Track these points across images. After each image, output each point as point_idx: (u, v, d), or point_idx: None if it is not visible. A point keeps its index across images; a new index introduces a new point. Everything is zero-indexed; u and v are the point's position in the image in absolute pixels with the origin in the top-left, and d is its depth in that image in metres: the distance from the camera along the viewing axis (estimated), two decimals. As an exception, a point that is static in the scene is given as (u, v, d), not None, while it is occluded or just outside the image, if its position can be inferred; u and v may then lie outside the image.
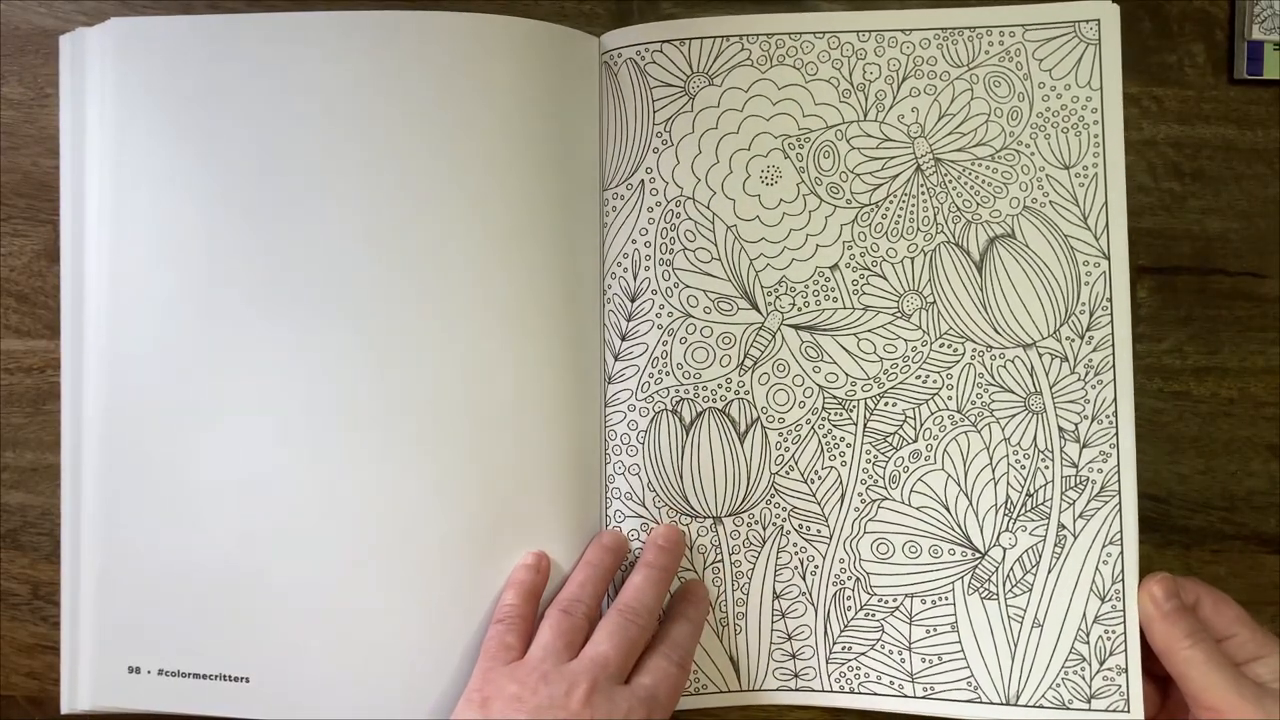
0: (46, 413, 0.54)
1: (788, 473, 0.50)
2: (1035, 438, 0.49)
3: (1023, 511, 0.49)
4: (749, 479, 0.50)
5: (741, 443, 0.50)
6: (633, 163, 0.51)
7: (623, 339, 0.51)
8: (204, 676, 0.49)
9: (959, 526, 0.49)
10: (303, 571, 0.49)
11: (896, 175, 0.50)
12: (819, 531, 0.50)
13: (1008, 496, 0.49)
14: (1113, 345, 0.49)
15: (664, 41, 0.50)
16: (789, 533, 0.50)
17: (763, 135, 0.50)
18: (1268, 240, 0.52)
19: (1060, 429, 0.49)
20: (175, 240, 0.50)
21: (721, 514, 0.50)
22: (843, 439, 0.50)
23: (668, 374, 0.50)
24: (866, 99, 0.50)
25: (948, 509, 0.49)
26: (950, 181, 0.49)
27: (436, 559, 0.49)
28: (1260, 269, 0.52)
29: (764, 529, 0.50)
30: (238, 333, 0.49)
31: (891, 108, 0.50)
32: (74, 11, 0.54)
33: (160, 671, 0.49)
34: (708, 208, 0.50)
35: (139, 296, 0.50)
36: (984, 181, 0.49)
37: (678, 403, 0.50)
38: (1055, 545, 0.48)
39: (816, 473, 0.50)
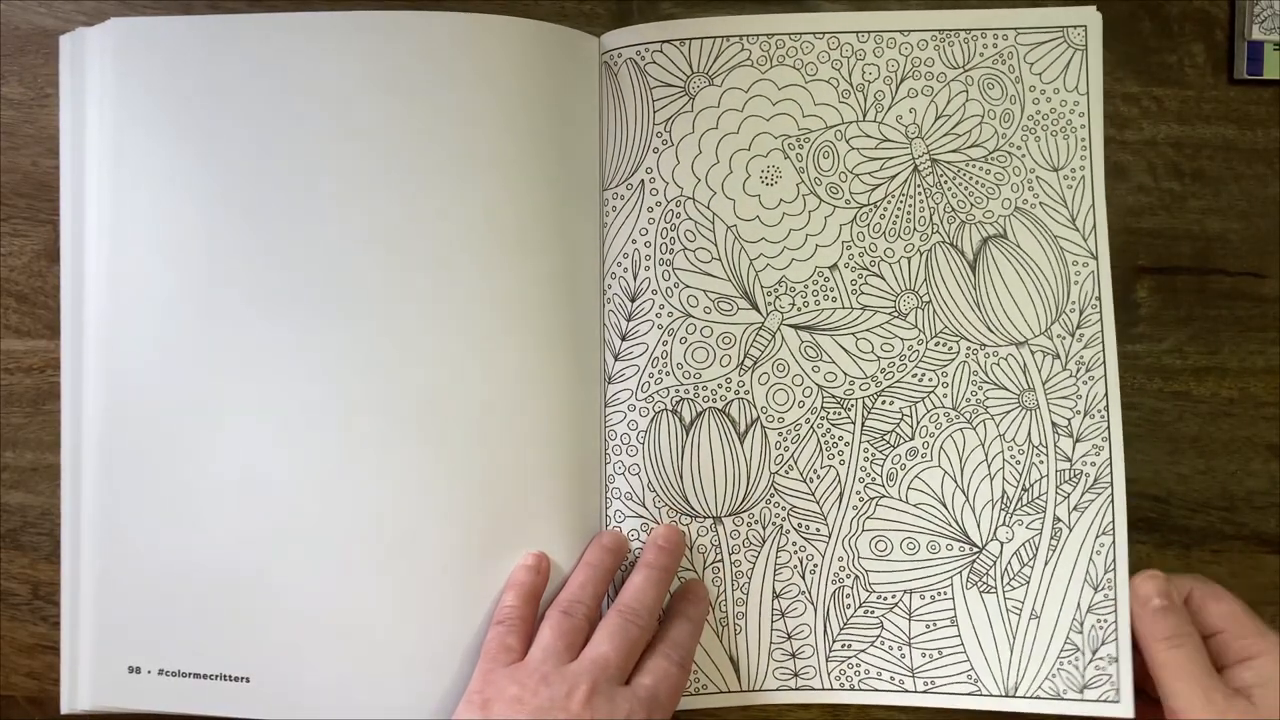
0: (46, 413, 0.54)
1: (787, 472, 0.50)
2: (1029, 433, 0.49)
3: (1019, 506, 0.49)
4: (749, 479, 0.50)
5: (741, 442, 0.50)
6: (633, 163, 0.51)
7: (623, 339, 0.51)
8: (204, 676, 0.49)
9: (956, 522, 0.50)
10: (303, 571, 0.49)
11: (895, 175, 0.50)
12: (818, 530, 0.50)
13: (1004, 491, 0.49)
14: (1102, 342, 0.49)
15: (664, 42, 0.51)
16: (788, 532, 0.50)
17: (763, 135, 0.50)
18: (1268, 240, 0.52)
19: (1054, 424, 0.49)
20: (175, 240, 0.50)
21: (721, 514, 0.50)
22: (841, 438, 0.50)
23: (668, 374, 0.50)
24: (866, 99, 0.50)
25: (945, 505, 0.50)
26: (946, 182, 0.50)
27: (437, 559, 0.49)
28: (1260, 269, 0.52)
29: (763, 528, 0.50)
30: (238, 333, 0.49)
31: (890, 108, 0.50)
32: (74, 11, 0.54)
33: (160, 671, 0.49)
34: (708, 208, 0.50)
35: (139, 296, 0.50)
36: (977, 182, 0.50)
37: (678, 403, 0.50)
38: (1051, 538, 0.49)
39: (815, 472, 0.50)
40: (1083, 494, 0.49)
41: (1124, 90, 0.52)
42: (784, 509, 0.50)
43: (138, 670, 0.49)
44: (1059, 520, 0.49)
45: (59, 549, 0.51)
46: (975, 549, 0.50)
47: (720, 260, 0.50)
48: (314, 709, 0.49)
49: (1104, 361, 0.49)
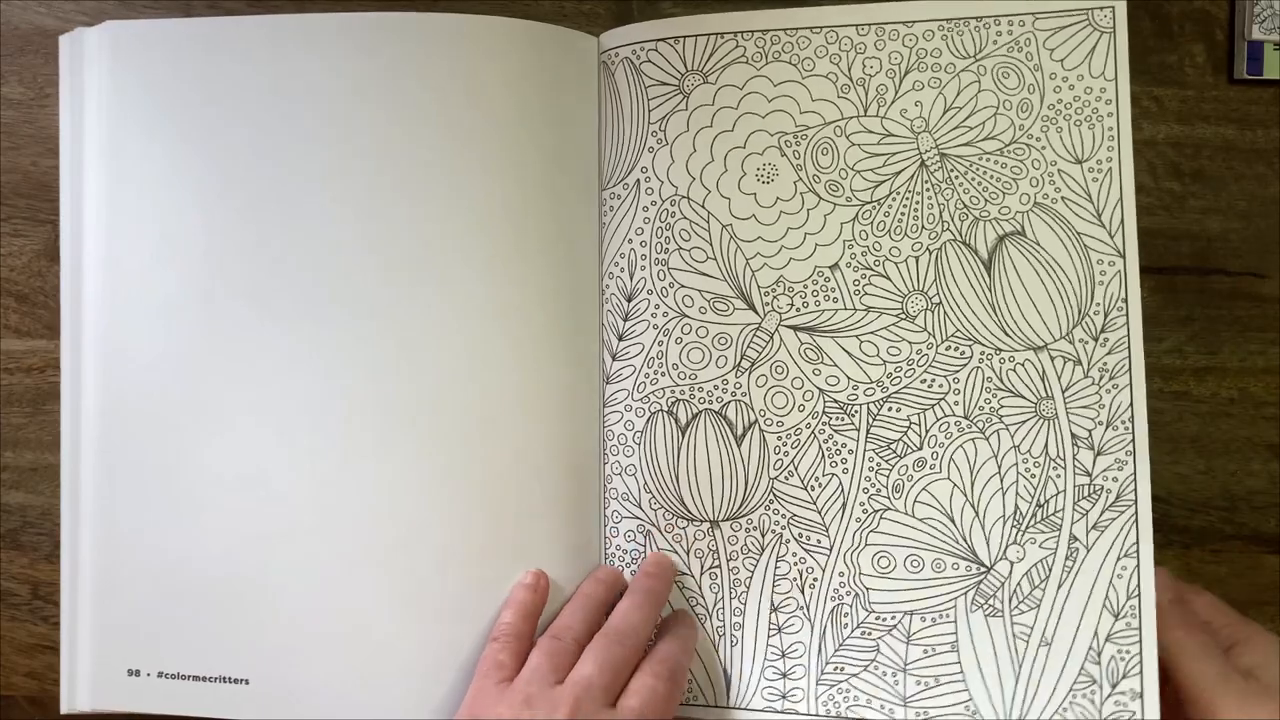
0: (46, 413, 0.51)
1: (787, 478, 0.45)
2: (1047, 445, 0.43)
3: (1032, 523, 0.43)
4: (747, 483, 0.45)
5: (739, 446, 0.45)
6: (629, 162, 0.46)
7: (620, 339, 0.47)
8: (203, 679, 0.46)
9: (964, 539, 0.44)
10: (303, 573, 0.46)
11: (899, 171, 0.45)
12: (819, 542, 0.45)
13: (1016, 507, 0.43)
14: (1128, 347, 0.43)
15: (659, 40, 0.46)
16: (789, 541, 0.45)
17: (758, 133, 0.45)
18: (1268, 240, 0.49)
19: (1073, 436, 0.43)
20: (175, 240, 0.47)
21: (719, 518, 0.46)
22: (844, 445, 0.45)
23: (663, 374, 0.46)
24: (867, 94, 0.45)
25: (953, 520, 0.44)
26: (956, 177, 0.45)
27: (436, 559, 0.45)
28: (1260, 269, 0.49)
29: (763, 535, 0.45)
30: (237, 333, 0.46)
31: (893, 102, 0.45)
32: (74, 11, 0.51)
33: (160, 674, 0.46)
34: (703, 206, 0.46)
35: (139, 296, 0.47)
36: (992, 177, 0.44)
37: (673, 404, 0.46)
38: (1066, 559, 0.42)
39: (817, 479, 0.45)
40: (1103, 511, 0.42)
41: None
42: (784, 517, 0.45)
43: (137, 673, 0.47)
44: (1075, 540, 0.42)
45: (59, 549, 0.48)
46: (983, 568, 0.43)
47: (715, 260, 0.46)
48: (313, 710, 0.46)
49: (1129, 369, 0.43)
